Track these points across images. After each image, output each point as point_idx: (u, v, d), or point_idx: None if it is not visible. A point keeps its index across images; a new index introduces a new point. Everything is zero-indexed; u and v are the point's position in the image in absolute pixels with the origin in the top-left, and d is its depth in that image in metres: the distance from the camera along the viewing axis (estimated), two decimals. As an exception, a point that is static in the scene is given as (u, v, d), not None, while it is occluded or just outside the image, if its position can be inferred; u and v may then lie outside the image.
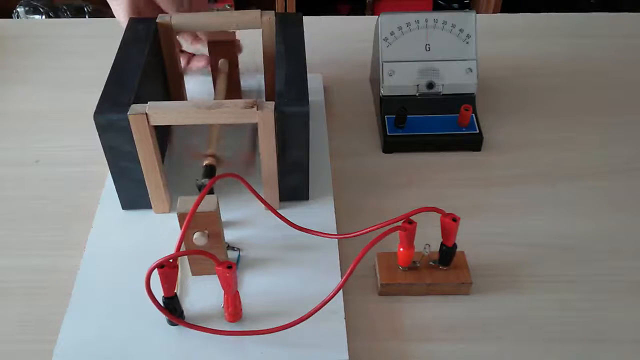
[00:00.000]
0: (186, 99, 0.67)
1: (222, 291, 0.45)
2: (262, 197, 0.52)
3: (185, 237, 0.46)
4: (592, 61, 0.78)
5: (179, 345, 0.46)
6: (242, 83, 0.68)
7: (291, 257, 0.52)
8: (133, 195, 0.55)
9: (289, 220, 0.52)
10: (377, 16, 0.65)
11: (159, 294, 0.44)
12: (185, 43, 0.67)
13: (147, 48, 0.56)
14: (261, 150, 0.52)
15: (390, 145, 0.64)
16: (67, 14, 1.62)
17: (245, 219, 0.55)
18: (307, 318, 0.45)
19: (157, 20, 0.59)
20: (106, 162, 0.52)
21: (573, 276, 0.52)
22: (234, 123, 0.50)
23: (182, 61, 0.68)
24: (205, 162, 0.55)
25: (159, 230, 0.54)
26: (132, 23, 0.59)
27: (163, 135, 0.60)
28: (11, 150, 0.65)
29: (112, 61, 0.54)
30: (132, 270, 0.49)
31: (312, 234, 0.52)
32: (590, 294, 0.51)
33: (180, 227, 0.45)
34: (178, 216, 0.46)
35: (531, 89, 0.73)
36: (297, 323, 0.44)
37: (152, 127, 0.50)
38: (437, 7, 1.82)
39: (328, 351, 0.46)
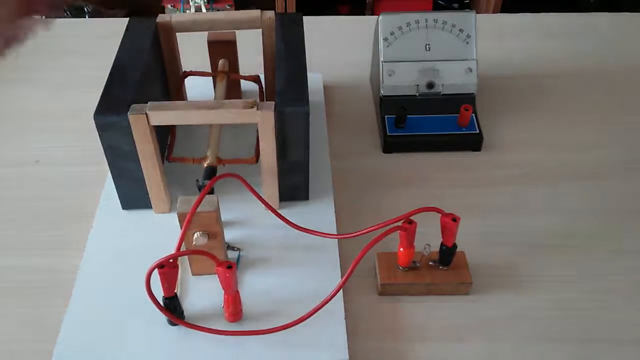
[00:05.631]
0: (186, 99, 0.67)
1: (222, 291, 0.45)
2: (262, 197, 0.52)
3: (185, 237, 0.46)
4: (592, 61, 0.78)
5: (179, 345, 0.46)
6: (242, 83, 0.68)
7: (291, 257, 0.52)
8: (133, 195, 0.55)
9: (289, 220, 0.52)
10: (377, 16, 0.65)
11: (159, 294, 0.44)
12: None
13: (147, 48, 0.56)
14: (261, 150, 0.52)
15: (390, 145, 0.64)
16: (67, 14, 1.62)
17: (245, 219, 0.55)
18: (307, 318, 0.45)
19: (157, 21, 0.59)
20: (106, 162, 0.52)
21: (573, 276, 0.52)
22: (233, 123, 0.50)
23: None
24: (206, 163, 0.55)
25: (159, 230, 0.54)
26: (132, 23, 0.59)
27: (163, 135, 0.60)
28: (11, 150, 0.65)
29: (112, 61, 0.54)
30: (132, 270, 0.49)
31: (312, 234, 0.52)
32: (590, 294, 0.51)
33: (180, 227, 0.45)
34: (178, 216, 0.46)
35: (531, 89, 0.73)
36: (297, 323, 0.45)
37: (152, 127, 0.50)
38: (437, 7, 1.82)
39: (328, 351, 0.46)
